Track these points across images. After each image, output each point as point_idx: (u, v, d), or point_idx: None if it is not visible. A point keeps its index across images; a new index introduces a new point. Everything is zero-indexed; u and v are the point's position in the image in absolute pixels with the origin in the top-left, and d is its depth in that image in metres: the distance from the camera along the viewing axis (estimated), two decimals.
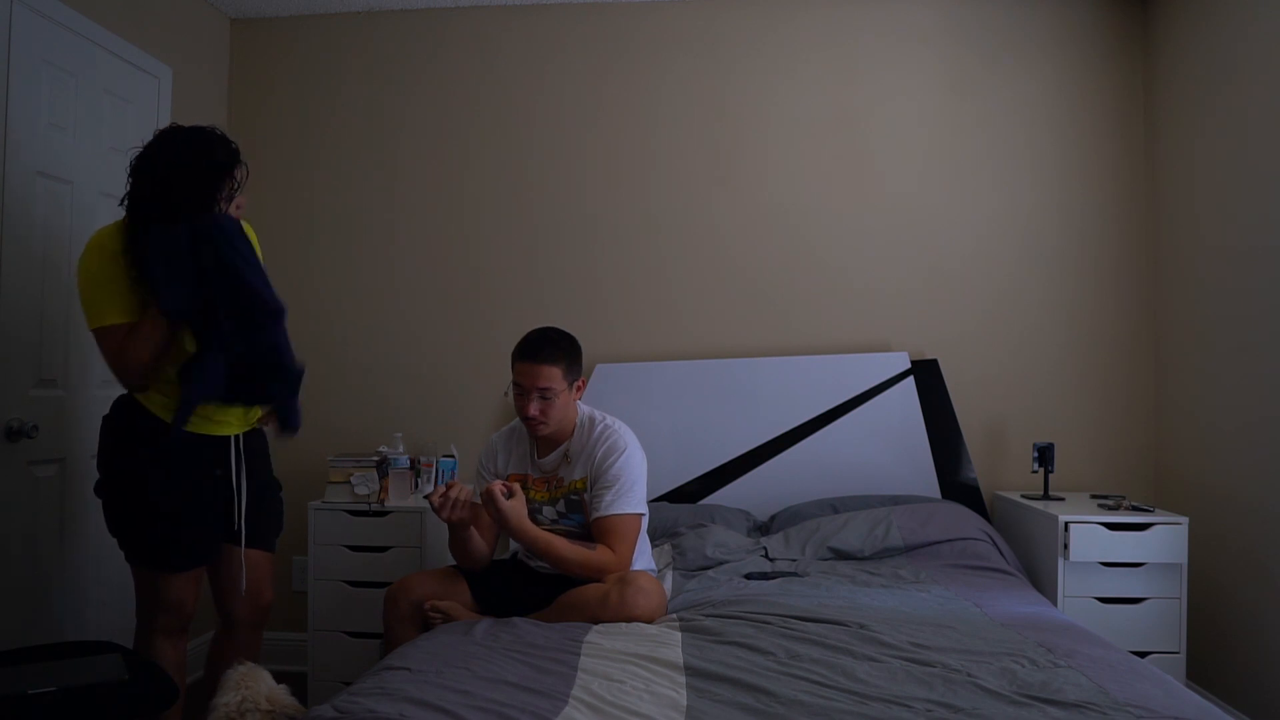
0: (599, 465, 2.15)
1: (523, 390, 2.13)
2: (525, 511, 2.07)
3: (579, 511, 2.19)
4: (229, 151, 1.93)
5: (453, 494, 2.01)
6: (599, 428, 2.21)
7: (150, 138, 1.94)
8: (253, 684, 1.54)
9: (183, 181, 1.86)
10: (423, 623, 2.09)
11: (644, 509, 2.19)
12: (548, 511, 2.22)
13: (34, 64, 2.31)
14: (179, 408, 1.87)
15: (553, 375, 2.10)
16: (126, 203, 1.91)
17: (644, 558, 2.26)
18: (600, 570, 2.07)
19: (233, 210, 1.95)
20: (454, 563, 2.26)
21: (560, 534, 2.17)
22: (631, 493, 2.14)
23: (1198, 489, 2.81)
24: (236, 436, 2.04)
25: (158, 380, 1.90)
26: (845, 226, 3.17)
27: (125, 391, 1.97)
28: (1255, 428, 2.53)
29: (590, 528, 2.16)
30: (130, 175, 1.91)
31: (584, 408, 2.26)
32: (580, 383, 2.21)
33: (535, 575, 2.25)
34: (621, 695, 1.50)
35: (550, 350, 2.12)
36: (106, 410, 1.99)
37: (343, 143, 3.32)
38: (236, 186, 1.95)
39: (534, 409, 2.11)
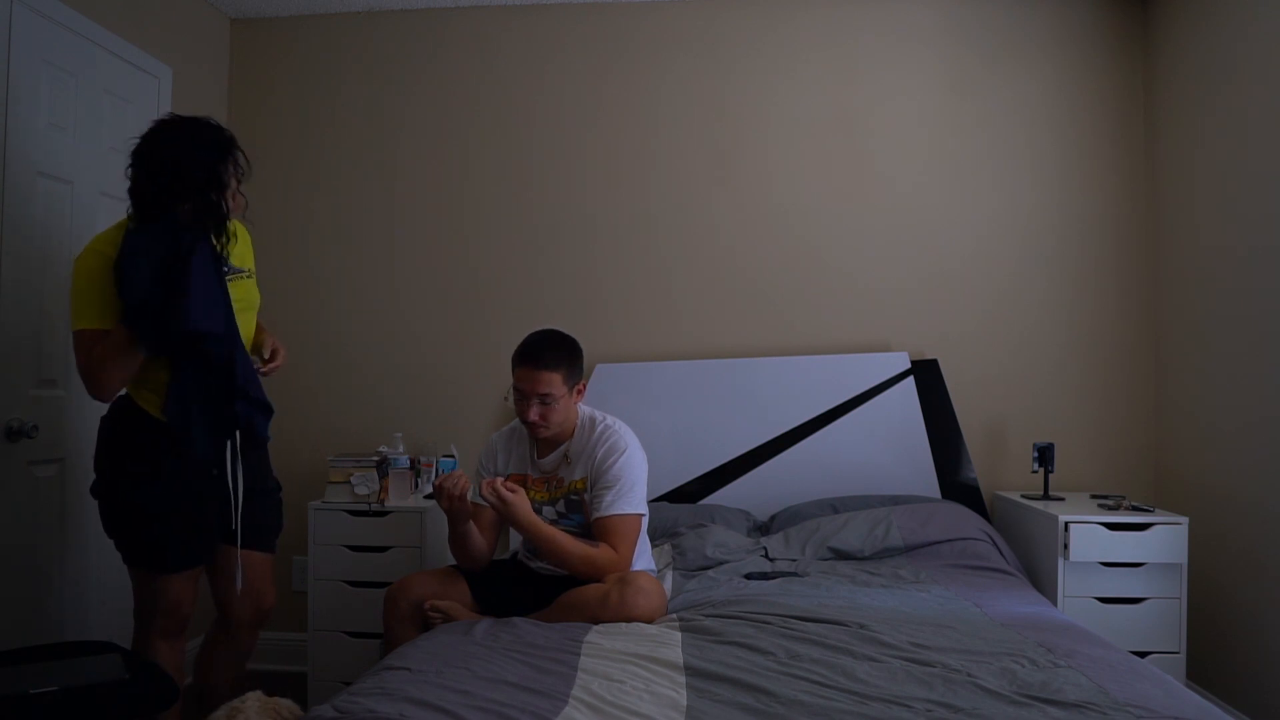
0: (599, 465, 2.15)
1: (523, 395, 2.12)
2: (529, 505, 2.08)
3: (579, 512, 2.20)
4: (226, 135, 1.93)
5: (447, 485, 2.01)
6: (599, 428, 2.21)
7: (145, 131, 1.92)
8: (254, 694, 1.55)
9: (192, 163, 1.85)
10: (423, 623, 2.09)
11: (644, 509, 2.19)
12: (547, 511, 2.22)
13: (34, 64, 2.31)
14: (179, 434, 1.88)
15: (553, 381, 2.10)
16: (131, 198, 1.89)
17: (644, 558, 2.26)
18: (601, 569, 2.07)
19: (234, 203, 1.95)
20: (454, 562, 2.26)
21: None
22: (632, 493, 2.14)
23: (1198, 489, 2.81)
24: (233, 437, 2.04)
25: (115, 394, 1.88)
26: (845, 226, 3.17)
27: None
28: (1255, 428, 2.53)
29: (590, 528, 2.16)
30: (131, 166, 1.88)
31: (584, 408, 2.26)
32: (581, 385, 2.21)
33: (535, 575, 2.25)
34: (621, 695, 1.50)
35: (551, 355, 2.11)
36: (105, 411, 1.99)
37: (343, 143, 3.33)
38: (242, 169, 1.95)
39: (534, 414, 2.11)
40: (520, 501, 2.04)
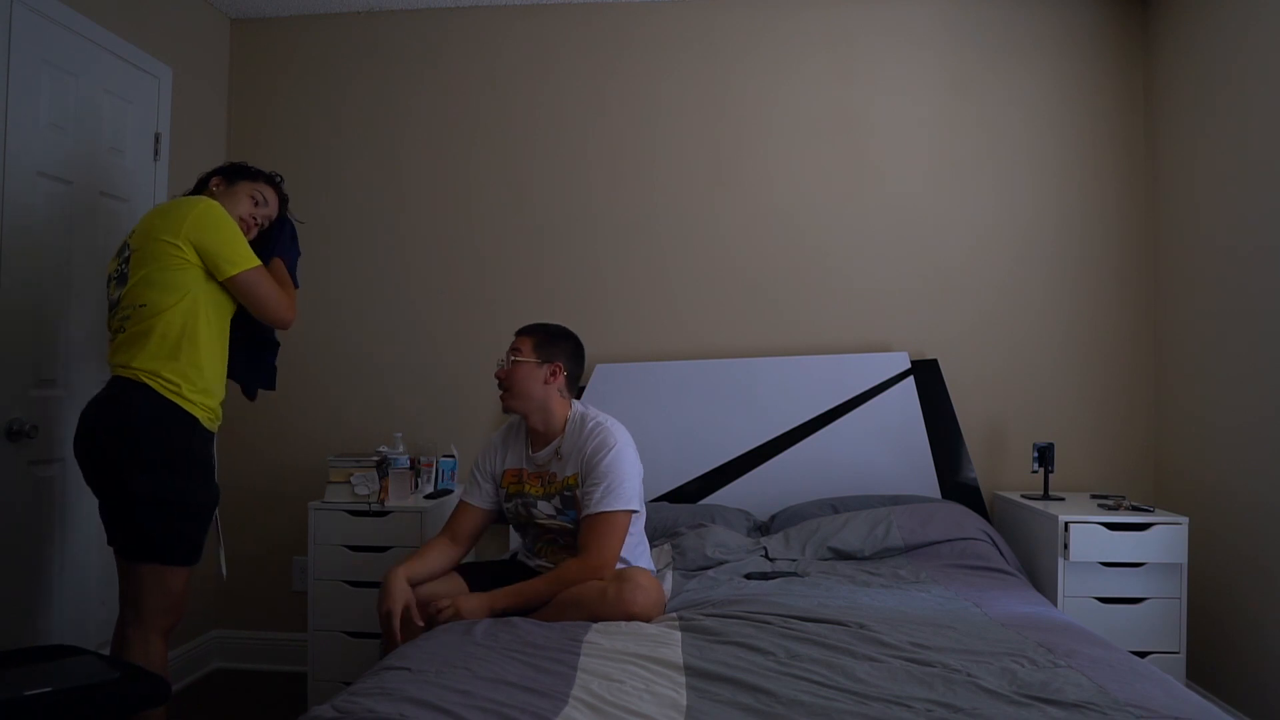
0: (589, 461, 2.15)
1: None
2: (477, 600, 2.04)
3: (574, 508, 2.20)
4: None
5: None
6: (590, 424, 2.21)
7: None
8: None
9: None
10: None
11: (636, 506, 2.16)
12: (543, 506, 2.22)
13: (34, 64, 2.31)
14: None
15: (523, 343, 2.24)
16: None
17: (643, 559, 2.26)
18: (576, 578, 2.05)
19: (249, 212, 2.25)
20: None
21: (558, 530, 2.19)
22: (620, 489, 2.12)
23: (1198, 489, 2.81)
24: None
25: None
26: (845, 226, 3.17)
27: (153, 392, 1.96)
28: (1255, 427, 2.53)
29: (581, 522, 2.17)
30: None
31: (578, 405, 2.28)
32: (556, 367, 2.22)
33: (534, 575, 2.24)
34: (621, 695, 1.50)
35: (531, 326, 2.30)
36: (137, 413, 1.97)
37: (343, 143, 3.33)
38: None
39: (500, 371, 2.24)
40: (469, 605, 2.01)
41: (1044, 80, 3.13)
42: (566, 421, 2.24)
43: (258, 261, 2.07)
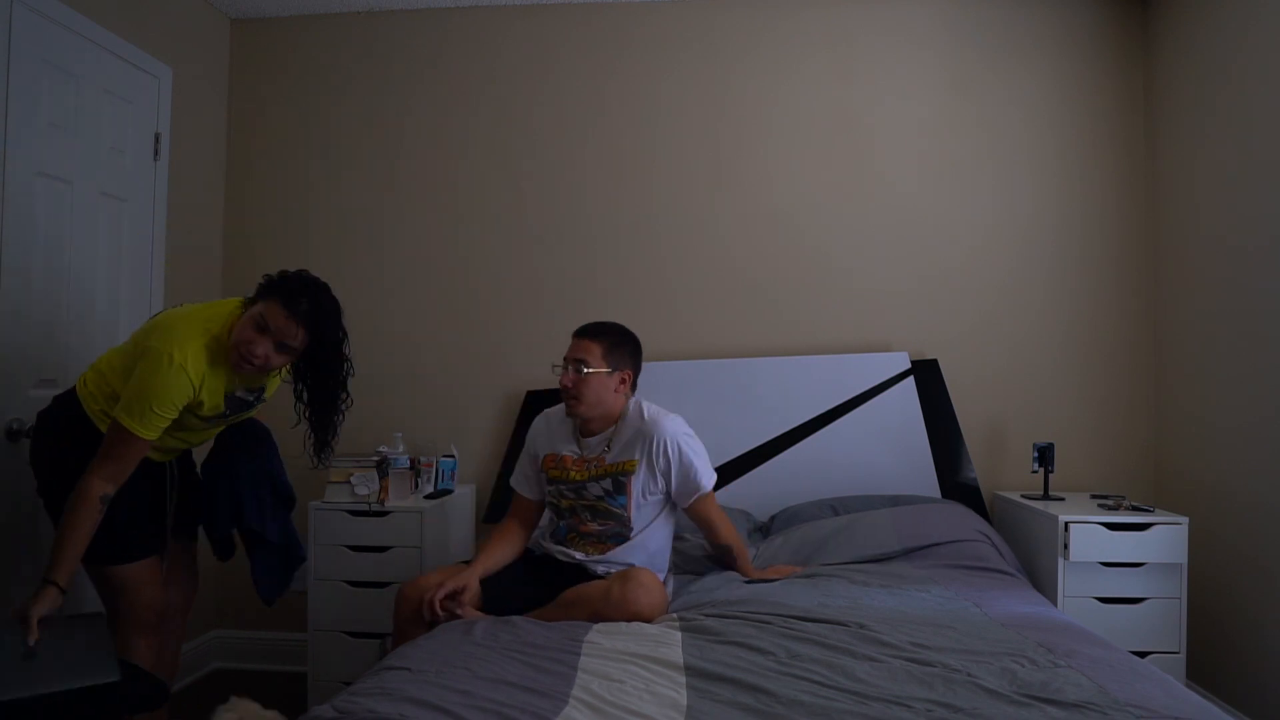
0: (664, 455, 2.20)
1: (564, 363, 2.21)
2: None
3: (624, 493, 2.21)
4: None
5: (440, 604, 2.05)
6: (648, 413, 2.24)
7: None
8: (248, 707, 1.55)
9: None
10: (431, 622, 2.09)
11: (712, 477, 2.30)
12: (593, 488, 2.23)
13: (34, 64, 2.31)
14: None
15: (590, 349, 2.18)
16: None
17: (663, 554, 2.31)
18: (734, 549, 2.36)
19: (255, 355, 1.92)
20: (461, 560, 2.27)
21: (601, 511, 2.22)
22: (704, 472, 2.27)
23: (1198, 489, 2.81)
24: (170, 463, 2.14)
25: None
26: (845, 226, 3.17)
27: (65, 390, 2.04)
28: (1255, 427, 2.53)
29: (632, 510, 2.21)
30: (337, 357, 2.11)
31: (634, 400, 2.30)
32: (625, 374, 2.23)
33: (540, 572, 2.25)
34: (622, 695, 1.50)
35: (596, 330, 2.23)
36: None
37: (343, 143, 3.32)
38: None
39: (567, 379, 2.18)
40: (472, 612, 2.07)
41: (1044, 80, 3.13)
42: (621, 414, 2.26)
43: (132, 428, 1.82)
